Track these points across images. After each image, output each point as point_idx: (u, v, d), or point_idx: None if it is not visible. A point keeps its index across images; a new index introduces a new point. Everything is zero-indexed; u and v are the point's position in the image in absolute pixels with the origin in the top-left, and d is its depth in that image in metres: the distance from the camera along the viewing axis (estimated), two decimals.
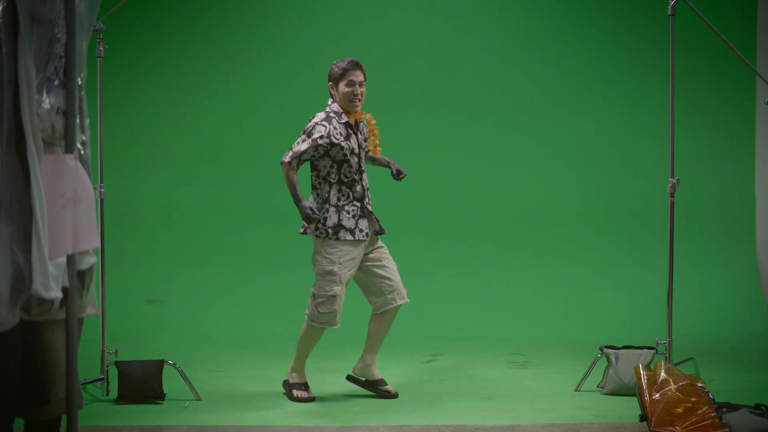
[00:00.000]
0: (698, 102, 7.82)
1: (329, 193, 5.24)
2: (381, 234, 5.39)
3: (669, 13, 5.18)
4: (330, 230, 5.20)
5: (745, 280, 7.74)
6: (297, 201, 5.14)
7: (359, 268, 5.34)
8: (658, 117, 7.55)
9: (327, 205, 5.23)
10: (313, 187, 5.32)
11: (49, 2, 2.71)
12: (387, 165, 5.50)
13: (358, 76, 5.28)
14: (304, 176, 5.55)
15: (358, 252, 5.26)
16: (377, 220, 5.36)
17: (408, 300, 5.37)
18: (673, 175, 5.27)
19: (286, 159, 5.18)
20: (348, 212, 5.24)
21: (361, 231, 5.24)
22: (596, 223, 7.83)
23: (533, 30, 7.90)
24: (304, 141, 5.22)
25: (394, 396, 5.37)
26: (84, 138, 2.95)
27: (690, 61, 7.64)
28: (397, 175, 5.41)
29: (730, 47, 5.39)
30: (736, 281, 7.73)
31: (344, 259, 5.21)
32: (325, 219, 5.21)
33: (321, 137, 5.18)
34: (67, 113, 2.67)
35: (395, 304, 5.33)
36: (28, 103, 2.64)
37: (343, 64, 5.29)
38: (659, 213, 6.94)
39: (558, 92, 7.89)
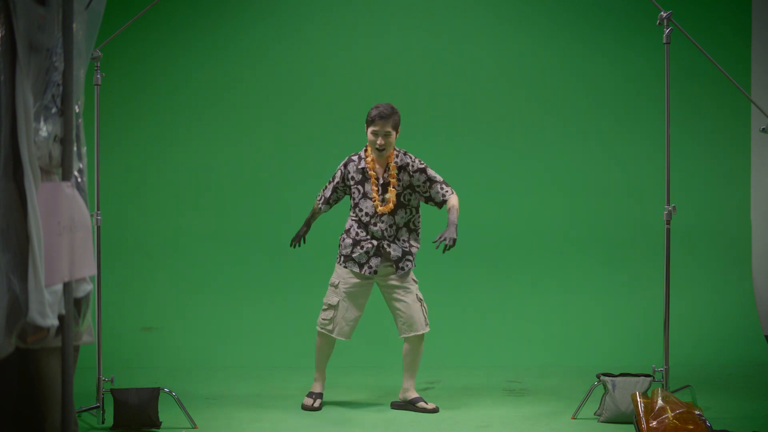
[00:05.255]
0: (694, 129, 7.84)
1: (350, 225, 5.73)
2: (397, 272, 5.71)
3: (664, 41, 5.19)
4: (342, 257, 5.72)
5: (742, 307, 7.74)
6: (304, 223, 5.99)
7: (385, 295, 5.77)
8: (653, 143, 7.58)
9: (344, 235, 5.73)
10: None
11: (47, 31, 2.72)
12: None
13: (382, 126, 5.56)
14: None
15: (365, 283, 5.70)
16: (396, 262, 5.67)
17: (419, 332, 5.68)
18: (669, 203, 5.27)
19: (318, 200, 5.94)
20: (362, 248, 5.64)
21: (370, 268, 5.65)
22: (592, 251, 7.83)
23: (526, 58, 7.94)
24: (330, 182, 5.86)
25: (432, 410, 5.63)
26: (81, 165, 2.95)
27: (685, 88, 7.66)
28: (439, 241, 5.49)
29: (725, 75, 5.41)
30: (733, 308, 7.72)
31: (348, 282, 5.70)
32: (342, 246, 5.74)
33: (334, 179, 5.80)
34: (64, 141, 2.67)
35: (404, 335, 5.71)
36: (25, 130, 2.64)
37: (374, 112, 5.61)
38: (655, 240, 6.94)
39: (552, 119, 7.92)
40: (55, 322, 2.68)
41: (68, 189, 2.60)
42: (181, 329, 7.46)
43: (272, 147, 7.82)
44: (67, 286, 2.63)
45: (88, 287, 2.94)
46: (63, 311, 2.67)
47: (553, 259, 7.82)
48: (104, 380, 5.23)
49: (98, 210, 5.23)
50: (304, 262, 7.63)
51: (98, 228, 5.21)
